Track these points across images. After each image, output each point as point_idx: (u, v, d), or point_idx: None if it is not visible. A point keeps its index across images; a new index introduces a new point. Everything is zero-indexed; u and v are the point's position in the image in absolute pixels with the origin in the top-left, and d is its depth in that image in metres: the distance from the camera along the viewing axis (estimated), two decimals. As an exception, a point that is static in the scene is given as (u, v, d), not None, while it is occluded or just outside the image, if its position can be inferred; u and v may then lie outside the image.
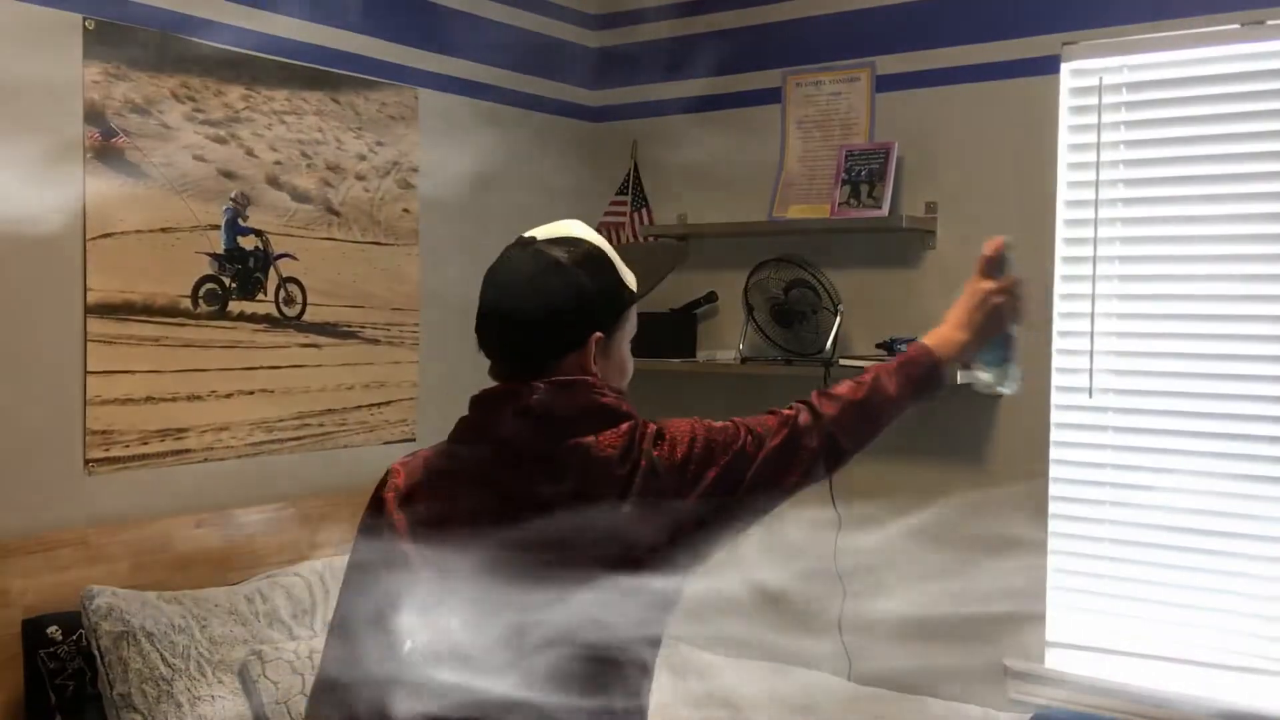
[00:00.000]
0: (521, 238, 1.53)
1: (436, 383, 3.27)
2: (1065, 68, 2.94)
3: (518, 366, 1.50)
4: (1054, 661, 3.00)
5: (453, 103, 3.35)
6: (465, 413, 1.54)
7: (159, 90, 2.64)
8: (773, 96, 3.41)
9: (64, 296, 2.51)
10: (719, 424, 1.51)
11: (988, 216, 3.06)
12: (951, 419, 3.11)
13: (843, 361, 3.08)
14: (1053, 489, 3.00)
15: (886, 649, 3.16)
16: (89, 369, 2.55)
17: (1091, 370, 2.94)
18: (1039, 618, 3.00)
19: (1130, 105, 2.90)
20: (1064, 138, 2.97)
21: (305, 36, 2.95)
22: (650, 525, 1.43)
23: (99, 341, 2.56)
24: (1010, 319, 1.61)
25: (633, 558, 1.42)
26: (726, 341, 3.45)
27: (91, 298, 2.54)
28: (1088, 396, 2.95)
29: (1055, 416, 3.00)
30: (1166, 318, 2.87)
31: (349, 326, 3.09)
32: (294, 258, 2.94)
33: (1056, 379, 3.00)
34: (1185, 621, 2.84)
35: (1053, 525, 2.99)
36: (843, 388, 1.55)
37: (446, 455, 1.53)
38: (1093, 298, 2.93)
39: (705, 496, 1.45)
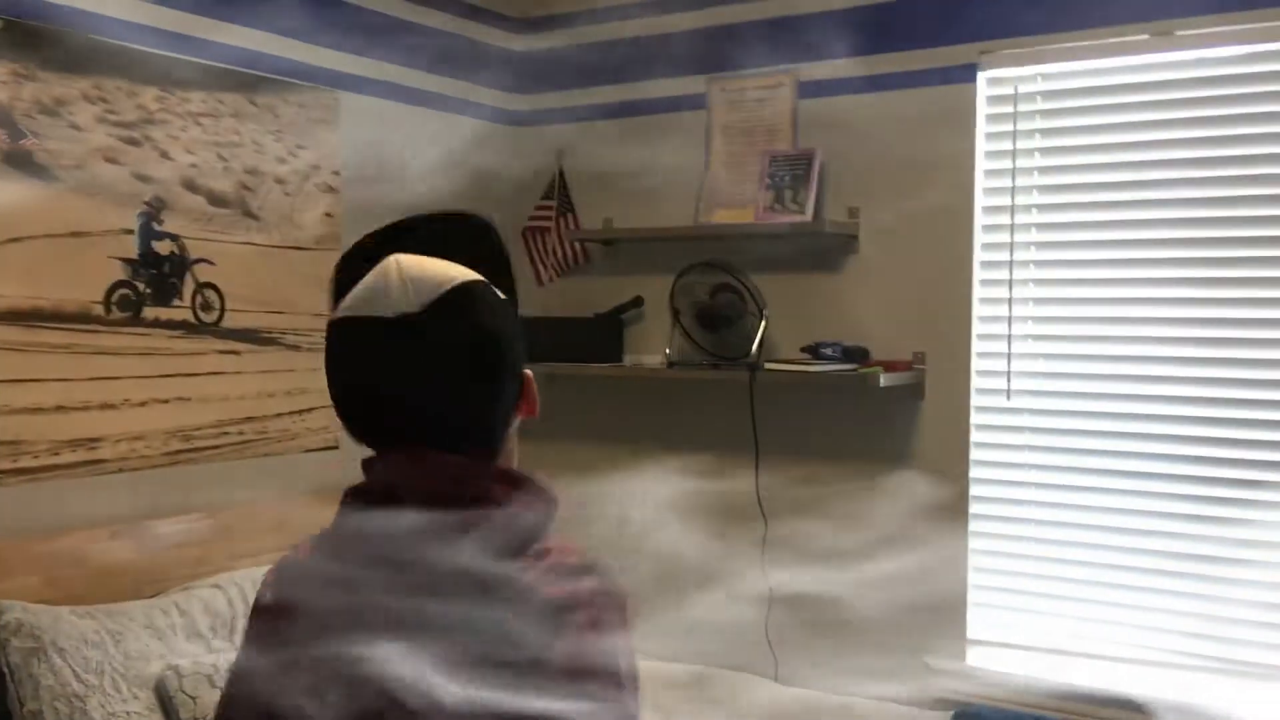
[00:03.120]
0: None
1: (360, 389, 3.23)
2: (982, 76, 3.00)
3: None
4: (976, 659, 3.05)
5: (375, 106, 3.32)
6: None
7: (69, 91, 2.57)
8: (697, 102, 3.42)
9: (-31, 303, 2.43)
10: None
11: (909, 222, 3.11)
12: (874, 420, 3.16)
13: (768, 365, 3.11)
14: (973, 489, 3.05)
15: (811, 650, 3.20)
16: (-4, 378, 2.47)
17: (1009, 373, 3.00)
18: (960, 616, 3.05)
19: (1045, 113, 2.96)
20: (981, 145, 3.03)
21: (222, 37, 2.89)
22: None
23: (7, 349, 2.48)
24: None
25: None
26: (653, 346, 3.46)
27: (-1, 304, 2.47)
28: (1006, 399, 3.01)
29: (975, 418, 3.05)
30: (1081, 320, 2.94)
31: (269, 332, 3.03)
32: (211, 263, 2.89)
33: (976, 381, 3.05)
34: (1103, 618, 2.91)
35: (973, 525, 3.05)
36: None
37: None
38: (1010, 301, 3.00)
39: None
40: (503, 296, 1.22)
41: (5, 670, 2.22)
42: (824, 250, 3.23)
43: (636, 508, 3.52)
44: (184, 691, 2.31)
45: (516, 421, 1.24)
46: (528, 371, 1.24)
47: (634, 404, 3.58)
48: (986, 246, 3.04)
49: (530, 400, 1.24)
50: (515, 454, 1.26)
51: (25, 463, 2.52)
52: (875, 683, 3.09)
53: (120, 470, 2.70)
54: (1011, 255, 2.99)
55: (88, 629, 2.32)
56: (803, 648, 3.22)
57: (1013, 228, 2.99)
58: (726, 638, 3.30)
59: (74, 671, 2.24)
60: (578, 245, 3.64)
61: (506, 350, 1.18)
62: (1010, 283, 3.00)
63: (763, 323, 3.15)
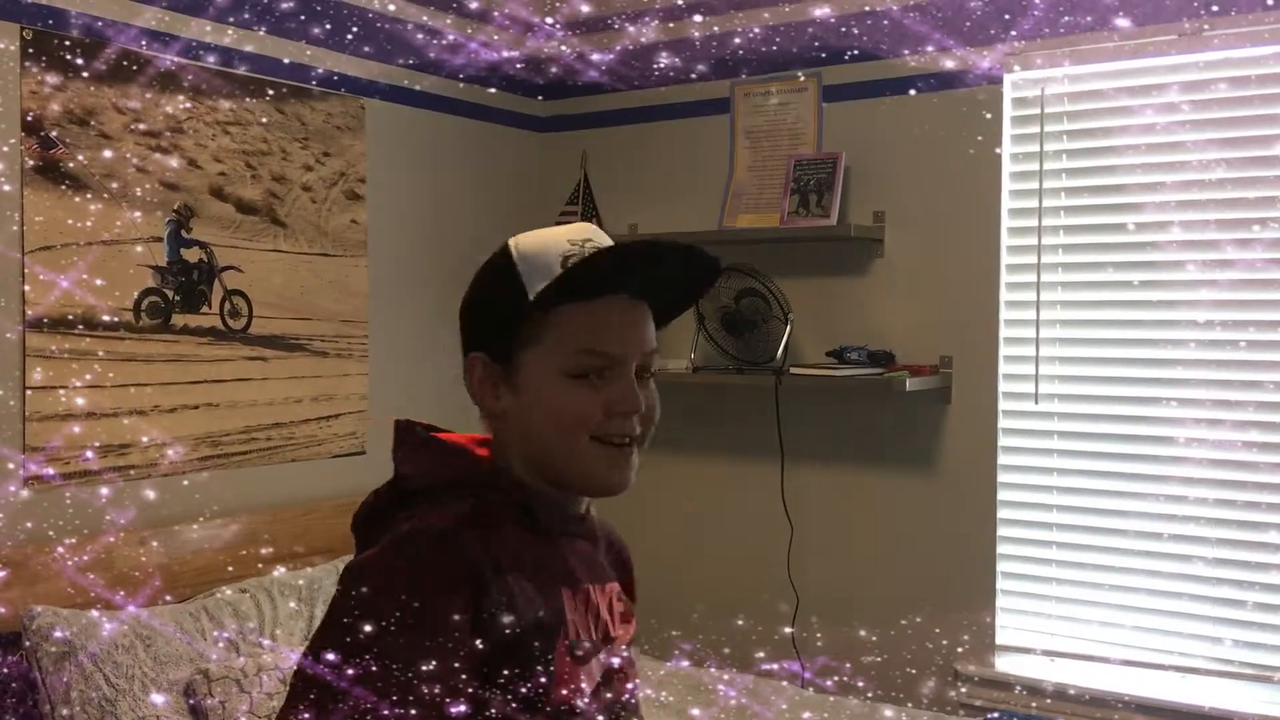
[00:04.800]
0: None
1: (386, 395, 3.24)
2: (1008, 79, 2.98)
3: None
4: (1003, 665, 3.03)
5: (400, 113, 3.33)
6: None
7: (99, 100, 2.60)
8: (721, 107, 3.42)
9: (2, 310, 2.46)
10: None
11: (934, 225, 3.10)
12: (900, 425, 3.14)
13: (793, 370, 3.10)
14: (1000, 494, 3.03)
15: (839, 655, 3.18)
16: (28, 384, 2.50)
17: (1037, 377, 2.98)
18: (989, 621, 3.03)
19: (1072, 115, 2.94)
20: (1008, 147, 3.01)
21: (250, 46, 2.92)
22: None
23: (38, 356, 2.51)
24: None
25: None
26: (678, 351, 3.46)
27: (31, 311, 2.49)
28: (1034, 402, 2.99)
29: (1003, 423, 3.03)
30: (1109, 324, 2.92)
31: (296, 339, 3.05)
32: (239, 270, 2.91)
33: (1004, 385, 3.03)
34: (1132, 623, 2.89)
35: (1001, 530, 3.03)
36: None
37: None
38: (1037, 305, 2.97)
39: None
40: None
41: (36, 673, 2.24)
42: (849, 254, 3.22)
43: (662, 514, 3.52)
44: (212, 695, 2.32)
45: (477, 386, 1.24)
46: (473, 355, 1.22)
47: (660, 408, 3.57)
48: (1013, 249, 3.02)
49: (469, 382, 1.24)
50: (507, 417, 1.22)
51: (57, 468, 2.55)
52: (902, 689, 3.07)
53: (150, 475, 2.72)
54: (1039, 258, 2.97)
55: (118, 633, 2.34)
56: (829, 653, 3.20)
57: (1040, 230, 2.97)
58: (753, 643, 3.29)
59: (105, 675, 2.26)
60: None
61: (467, 307, 1.25)
62: (1038, 285, 2.97)
63: (788, 327, 3.15)
